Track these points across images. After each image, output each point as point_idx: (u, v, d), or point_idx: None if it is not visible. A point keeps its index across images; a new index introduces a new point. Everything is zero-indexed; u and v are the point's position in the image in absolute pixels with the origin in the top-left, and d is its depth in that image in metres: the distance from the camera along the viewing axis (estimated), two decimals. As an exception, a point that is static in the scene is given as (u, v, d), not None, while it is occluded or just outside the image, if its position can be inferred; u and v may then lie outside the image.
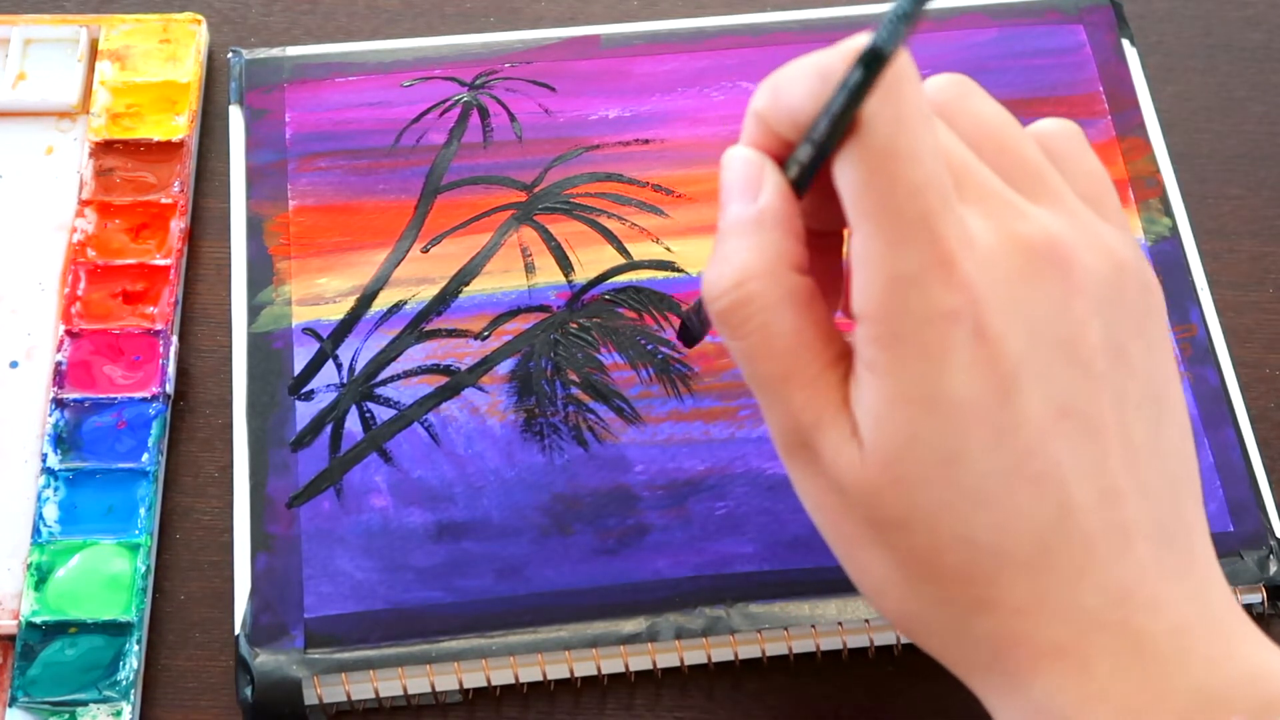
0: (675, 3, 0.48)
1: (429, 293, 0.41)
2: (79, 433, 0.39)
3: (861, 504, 0.28)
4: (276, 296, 0.41)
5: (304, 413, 0.40)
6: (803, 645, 0.37)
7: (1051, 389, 0.27)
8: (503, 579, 0.38)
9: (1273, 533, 0.39)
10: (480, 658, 0.37)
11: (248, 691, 0.36)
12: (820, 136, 0.27)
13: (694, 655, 0.37)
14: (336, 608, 0.37)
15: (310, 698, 0.36)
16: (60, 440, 0.39)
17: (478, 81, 0.45)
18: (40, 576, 0.38)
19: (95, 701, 0.36)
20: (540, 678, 0.37)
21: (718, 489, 0.39)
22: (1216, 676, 0.27)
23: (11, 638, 0.37)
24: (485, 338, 0.41)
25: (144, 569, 0.38)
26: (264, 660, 0.36)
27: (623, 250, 0.42)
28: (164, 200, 0.43)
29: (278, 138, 0.43)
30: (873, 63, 0.25)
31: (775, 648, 0.37)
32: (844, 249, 0.32)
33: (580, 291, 0.42)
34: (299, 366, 0.40)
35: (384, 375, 0.40)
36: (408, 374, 0.40)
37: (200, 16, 0.46)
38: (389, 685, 0.36)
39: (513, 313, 0.41)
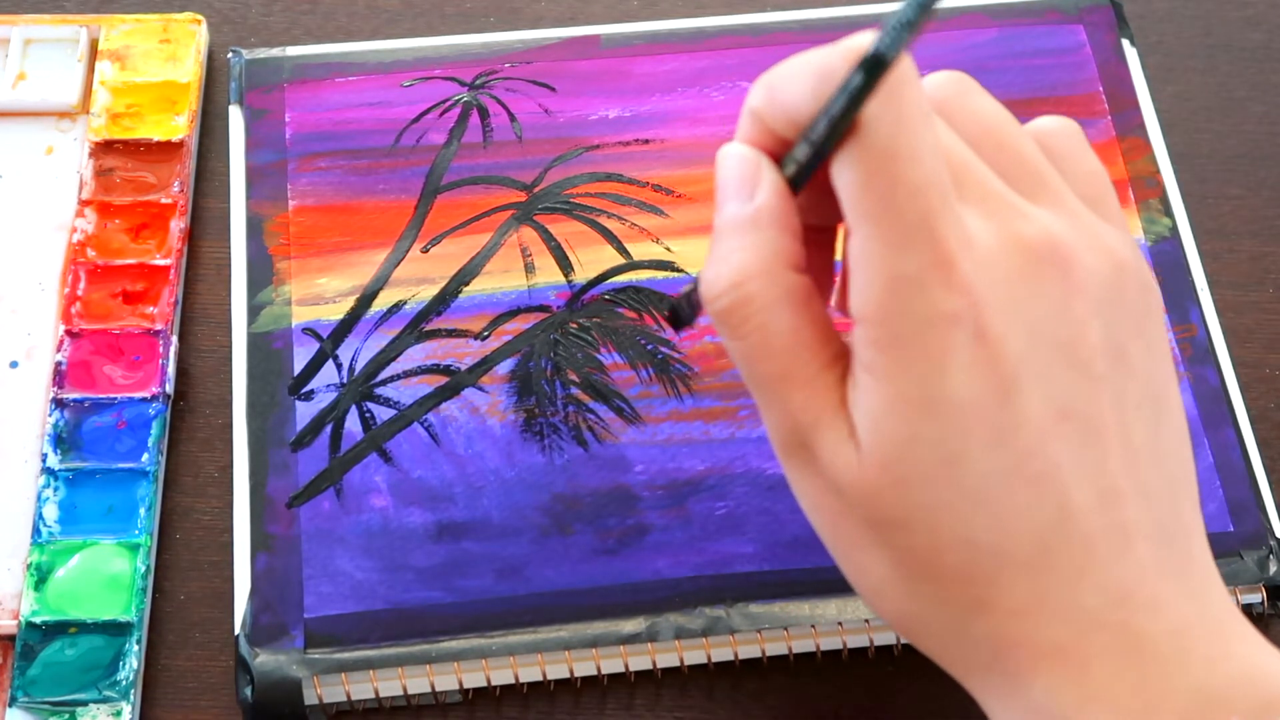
0: (675, 3, 0.48)
1: (429, 293, 0.41)
2: (79, 433, 0.39)
3: (860, 505, 0.28)
4: (276, 296, 0.41)
5: (304, 413, 0.40)
6: (803, 645, 0.37)
7: (1051, 390, 0.27)
8: (503, 579, 0.38)
9: (1273, 533, 0.39)
10: (480, 658, 0.37)
11: (248, 691, 0.36)
12: (819, 137, 0.27)
13: (694, 655, 0.37)
14: (336, 608, 0.37)
15: (310, 698, 0.36)
16: (60, 440, 0.39)
17: (478, 81, 0.45)
18: (40, 576, 0.38)
19: (95, 701, 0.36)
20: (540, 678, 0.37)
21: (718, 489, 0.39)
22: (1215, 677, 0.27)
23: (11, 638, 0.37)
24: (485, 338, 0.41)
25: (144, 569, 0.38)
26: (264, 660, 0.36)
27: (623, 250, 0.42)
28: (164, 200, 0.43)
29: (278, 138, 0.43)
30: (874, 68, 0.25)
31: (775, 648, 0.37)
32: (837, 245, 0.32)
33: (580, 291, 0.42)
34: (299, 366, 0.40)
35: (384, 375, 0.40)
36: (408, 374, 0.40)
37: (200, 16, 0.46)
38: (389, 685, 0.36)
39: (513, 313, 0.41)
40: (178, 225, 0.42)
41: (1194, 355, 0.41)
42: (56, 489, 0.39)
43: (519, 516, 0.38)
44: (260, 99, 0.44)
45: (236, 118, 0.44)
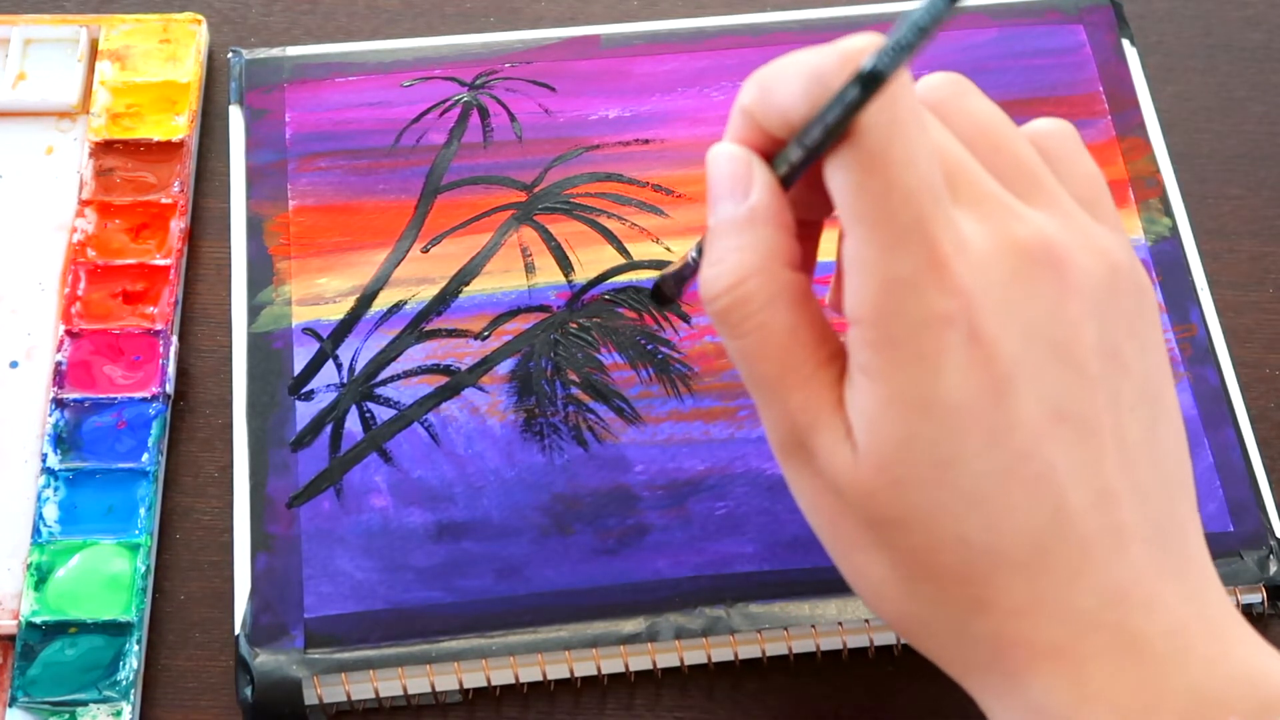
0: (675, 3, 0.48)
1: (429, 293, 0.41)
2: (79, 433, 0.39)
3: (857, 505, 0.28)
4: (276, 296, 0.41)
5: (304, 413, 0.40)
6: (803, 645, 0.37)
7: (1046, 391, 0.27)
8: (503, 579, 0.38)
9: (1273, 533, 0.39)
10: (480, 658, 0.37)
11: (248, 691, 0.36)
12: (812, 142, 0.27)
13: (694, 655, 0.37)
14: (336, 608, 0.37)
15: (310, 698, 0.36)
16: (60, 440, 0.39)
17: (478, 81, 0.45)
18: (40, 576, 0.38)
19: (95, 701, 0.36)
20: (540, 678, 0.37)
21: (718, 489, 0.39)
22: (1213, 677, 0.27)
23: (11, 638, 0.37)
24: (485, 338, 0.41)
25: (144, 569, 0.38)
26: (264, 660, 0.36)
27: (623, 250, 0.42)
28: (164, 200, 0.43)
29: (278, 138, 0.43)
30: (870, 83, 0.25)
31: (775, 648, 0.37)
32: (820, 239, 0.32)
33: (580, 291, 0.42)
34: (299, 366, 0.40)
35: (384, 375, 0.40)
36: (408, 374, 0.40)
37: (200, 16, 0.46)
38: (389, 685, 0.36)
39: (513, 313, 0.41)
40: (178, 225, 0.42)
41: (1194, 355, 0.41)
42: (56, 489, 0.39)
43: (519, 516, 0.38)
44: (260, 99, 0.44)
45: (236, 118, 0.44)
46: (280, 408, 0.40)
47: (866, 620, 0.37)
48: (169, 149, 0.44)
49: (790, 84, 0.27)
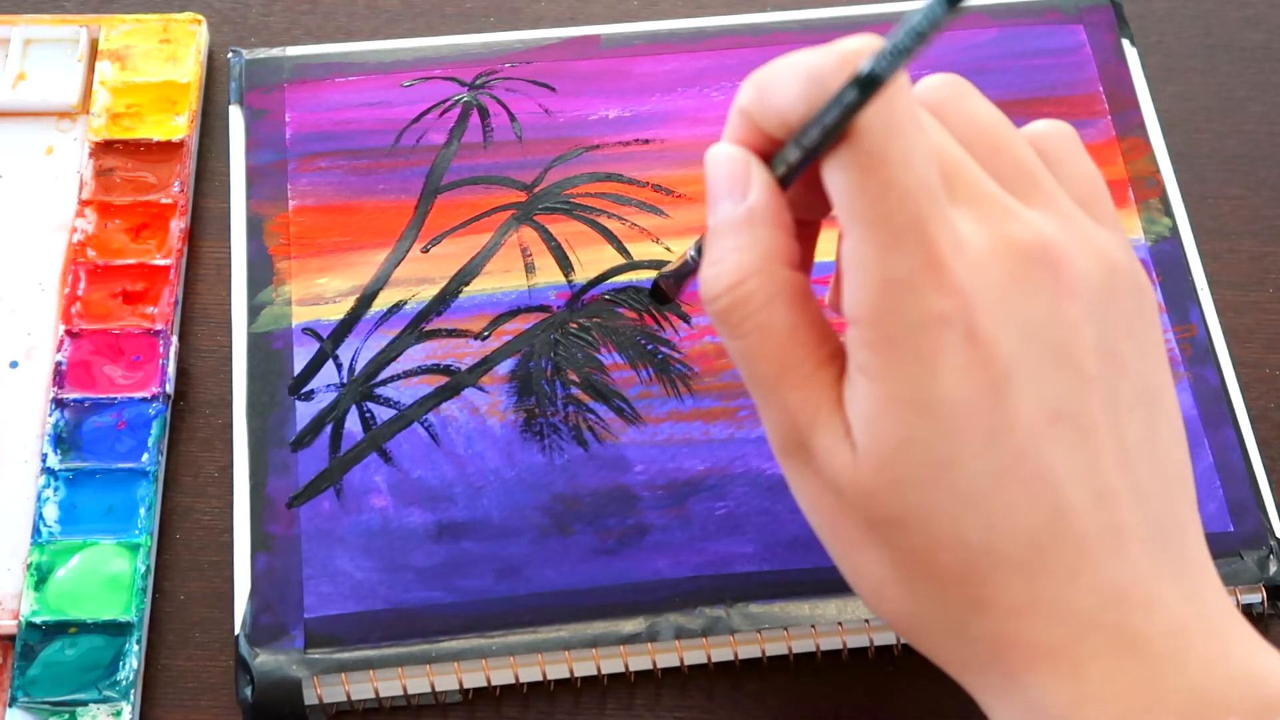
0: (675, 3, 0.48)
1: (429, 293, 0.41)
2: (79, 433, 0.39)
3: (856, 505, 0.28)
4: (276, 296, 0.41)
5: (304, 413, 0.40)
6: (802, 645, 0.37)
7: (1044, 391, 0.27)
8: (503, 579, 0.38)
9: (1273, 533, 0.39)
10: (480, 658, 0.37)
11: (248, 691, 0.36)
12: (810, 144, 0.27)
13: (694, 655, 0.37)
14: (336, 608, 0.37)
15: (310, 698, 0.36)
16: (60, 440, 0.39)
17: (478, 81, 0.45)
18: (40, 576, 0.38)
19: (95, 701, 0.36)
20: (540, 678, 0.37)
21: (718, 489, 0.39)
22: (1212, 677, 0.27)
23: (11, 638, 0.37)
24: (485, 338, 0.41)
25: (144, 569, 0.38)
26: (264, 660, 0.36)
27: (623, 250, 0.42)
28: (164, 200, 0.43)
29: (278, 138, 0.43)
30: (868, 86, 0.25)
31: (775, 648, 0.37)
32: (817, 239, 0.32)
33: (580, 291, 0.42)
34: (299, 366, 0.40)
35: (384, 375, 0.40)
36: (408, 374, 0.40)
37: (200, 16, 0.46)
38: (389, 685, 0.36)
39: (513, 313, 0.41)
40: (178, 225, 0.42)
41: (1194, 355, 0.41)
42: (56, 489, 0.39)
43: (519, 516, 0.38)
44: (260, 99, 0.44)
45: (236, 118, 0.44)
46: (280, 408, 0.40)
47: (866, 620, 0.37)
48: (169, 149, 0.44)
49: (788, 85, 0.27)
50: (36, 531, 0.38)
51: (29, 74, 0.45)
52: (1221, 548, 0.38)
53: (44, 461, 0.39)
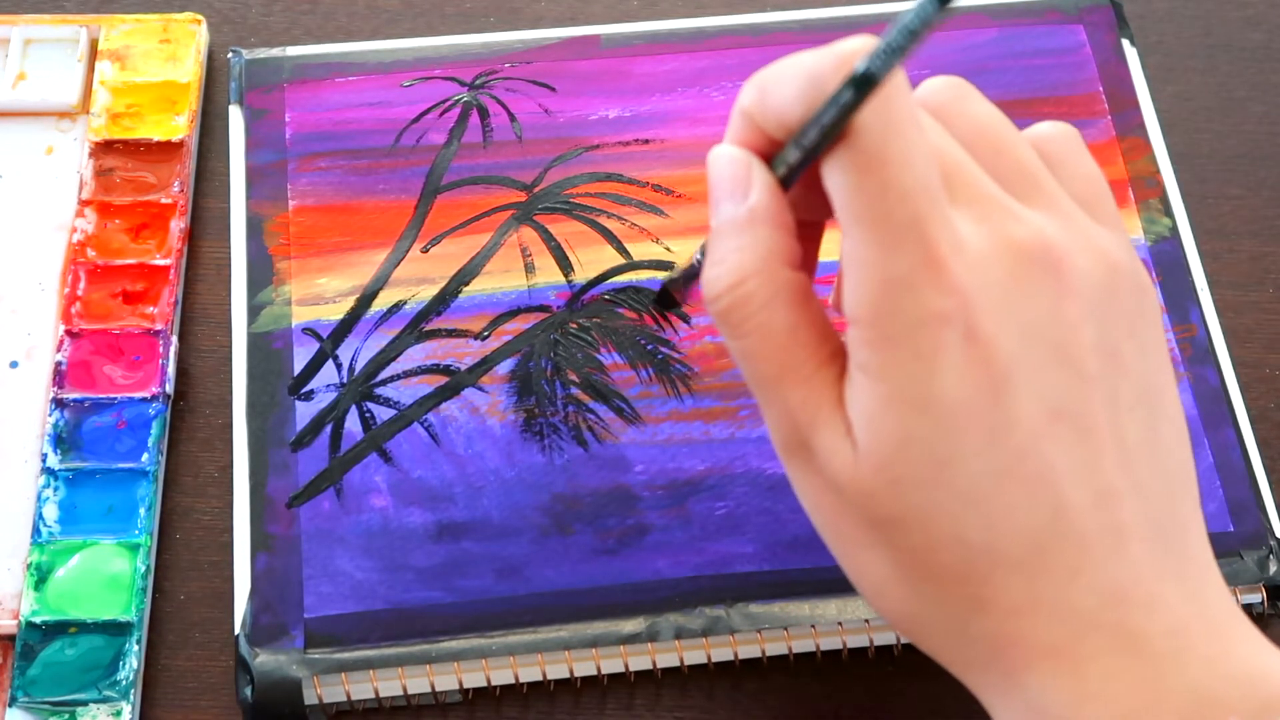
0: (675, 3, 0.48)
1: (429, 293, 0.41)
2: (79, 433, 0.39)
3: (857, 504, 0.28)
4: (276, 296, 0.41)
5: (304, 413, 0.40)
6: (802, 645, 0.37)
7: (1043, 390, 0.27)
8: (503, 579, 0.38)
9: (1273, 533, 0.39)
10: (480, 658, 0.37)
11: (248, 691, 0.36)
12: (809, 143, 0.27)
13: (694, 655, 0.37)
14: (336, 608, 0.37)
15: (310, 698, 0.36)
16: (60, 440, 0.39)
17: (478, 81, 0.45)
18: (40, 576, 0.38)
19: (95, 701, 0.36)
20: (540, 678, 0.37)
21: (718, 489, 0.39)
22: (1213, 677, 0.27)
23: (11, 638, 0.37)
24: (485, 338, 0.41)
25: (144, 569, 0.38)
26: (264, 660, 0.36)
27: (623, 250, 0.42)
28: (164, 200, 0.43)
29: (278, 138, 0.43)
30: (864, 85, 0.25)
31: (775, 648, 0.37)
32: (822, 240, 0.32)
33: (580, 291, 0.42)
34: (299, 366, 0.40)
35: (384, 375, 0.40)
36: (408, 374, 0.40)
37: (200, 16, 0.46)
38: (389, 685, 0.36)
39: (513, 313, 0.41)
40: (178, 225, 0.42)
41: (1194, 355, 0.41)
42: (56, 489, 0.39)
43: (519, 516, 0.38)
44: (260, 99, 0.44)
45: (236, 118, 0.44)
46: (280, 408, 0.40)
47: (866, 620, 0.37)
48: (169, 149, 0.44)
49: (787, 87, 0.28)
50: (36, 531, 0.38)
51: (29, 74, 0.45)
52: (1221, 548, 0.38)
53: (44, 461, 0.39)
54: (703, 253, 0.31)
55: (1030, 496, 0.27)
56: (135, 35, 0.45)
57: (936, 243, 0.26)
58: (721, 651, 0.37)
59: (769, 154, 0.29)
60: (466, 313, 0.41)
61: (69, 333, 0.41)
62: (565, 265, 0.42)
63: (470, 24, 0.47)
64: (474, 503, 0.38)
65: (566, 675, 0.37)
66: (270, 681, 0.36)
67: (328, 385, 0.40)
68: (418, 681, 0.37)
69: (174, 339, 0.41)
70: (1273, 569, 0.39)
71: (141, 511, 0.39)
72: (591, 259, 0.42)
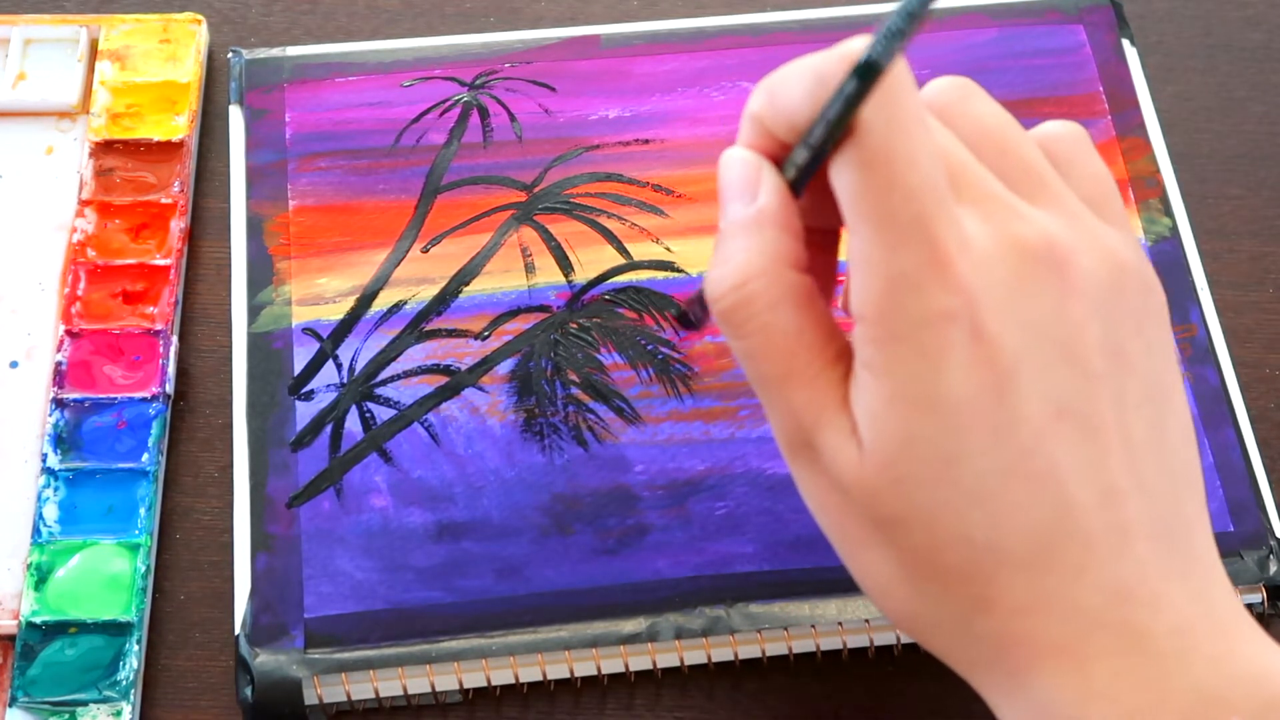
0: (675, 3, 0.48)
1: (429, 293, 0.41)
2: (79, 433, 0.39)
3: (862, 503, 0.28)
4: (276, 296, 0.41)
5: (304, 413, 0.40)
6: (803, 645, 0.37)
7: (1049, 388, 0.27)
8: (503, 579, 0.38)
9: (1273, 533, 0.39)
10: (480, 658, 0.37)
11: (248, 691, 0.36)
12: (816, 141, 0.27)
13: (694, 655, 0.37)
14: (336, 608, 0.37)
15: (310, 698, 0.36)
16: (60, 440, 0.39)
17: (478, 81, 0.45)
18: (40, 576, 0.38)
19: (95, 701, 0.36)
20: (540, 678, 0.37)
21: (718, 489, 0.39)
22: (1218, 676, 0.27)
23: (11, 638, 0.37)
24: (485, 338, 0.41)
25: (144, 569, 0.38)
26: (264, 660, 0.36)
27: (623, 250, 0.42)
28: (164, 200, 0.43)
29: (278, 138, 0.43)
30: (867, 74, 0.25)
31: (775, 648, 0.37)
32: (839, 247, 0.32)
33: (580, 291, 0.42)
34: (299, 366, 0.40)
35: (384, 375, 0.40)
36: (408, 374, 0.40)
37: (200, 16, 0.46)
38: (389, 685, 0.36)
39: (513, 313, 0.41)
40: (178, 225, 0.42)
41: (1194, 355, 0.41)
42: (56, 489, 0.39)
43: (519, 516, 0.38)
44: (260, 99, 0.44)
45: (236, 118, 0.44)
46: (280, 408, 0.40)
47: (866, 620, 0.37)
48: (169, 149, 0.44)
49: (794, 88, 0.28)
50: (36, 531, 0.38)
51: (29, 74, 0.45)
52: (1222, 548, 0.38)
53: (44, 461, 0.39)
54: None
55: (1035, 495, 0.27)
56: (135, 35, 0.45)
57: (942, 241, 0.26)
58: (721, 651, 0.37)
59: (779, 158, 0.29)
60: (467, 313, 0.41)
61: (69, 333, 0.41)
62: (565, 265, 0.42)
63: (470, 24, 0.47)
64: (474, 503, 0.38)
65: (566, 675, 0.37)
66: (270, 681, 0.36)
67: (328, 385, 0.40)
68: (418, 681, 0.37)
69: (174, 339, 0.41)
70: (1273, 569, 0.39)
71: (141, 511, 0.39)
72: (591, 259, 0.42)
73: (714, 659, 0.37)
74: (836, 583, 0.37)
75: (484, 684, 0.37)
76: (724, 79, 0.45)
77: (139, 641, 0.37)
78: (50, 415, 0.40)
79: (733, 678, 0.38)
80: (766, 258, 0.28)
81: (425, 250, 0.42)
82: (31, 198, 0.43)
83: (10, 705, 0.36)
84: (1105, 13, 0.47)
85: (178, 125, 0.44)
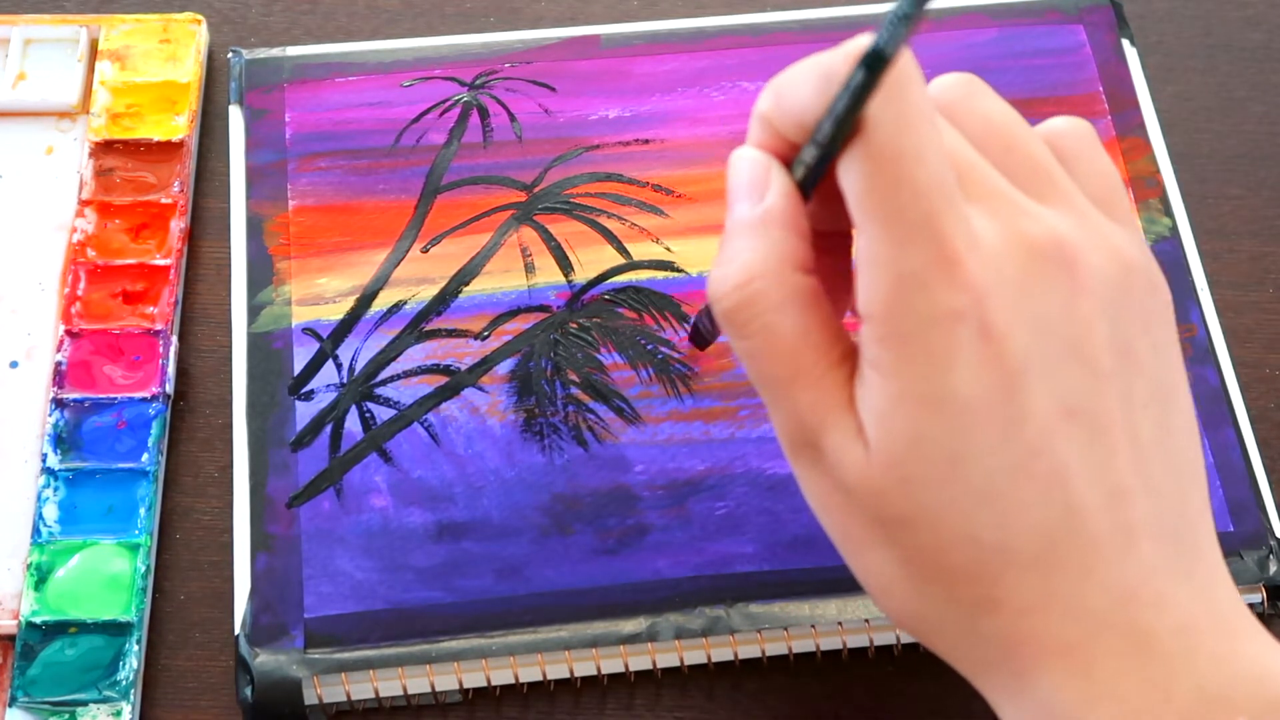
0: (675, 3, 0.48)
1: (429, 293, 0.41)
2: (79, 433, 0.39)
3: (867, 503, 0.28)
4: (276, 296, 0.41)
5: (304, 413, 0.40)
6: (803, 645, 0.37)
7: (1057, 387, 0.27)
8: (503, 579, 0.38)
9: (1273, 533, 0.39)
10: (480, 658, 0.37)
11: (248, 691, 0.36)
12: (824, 138, 0.27)
13: (694, 655, 0.37)
14: (336, 608, 0.37)
15: (310, 698, 0.36)
16: (60, 440, 0.39)
17: (478, 81, 0.45)
18: (40, 576, 0.38)
19: (95, 701, 0.36)
20: (540, 678, 0.37)
21: (718, 489, 0.39)
22: (1222, 676, 0.27)
23: (11, 638, 0.37)
24: (485, 338, 0.41)
25: (144, 569, 0.38)
26: (264, 660, 0.36)
27: (623, 250, 0.42)
28: (164, 200, 0.43)
29: (278, 138, 0.43)
30: (874, 64, 0.25)
31: (775, 648, 0.37)
32: (850, 250, 0.32)
33: (580, 291, 0.42)
34: (299, 366, 0.40)
35: (384, 375, 0.40)
36: (408, 374, 0.40)
37: (200, 16, 0.46)
38: (389, 685, 0.36)
39: (513, 313, 0.41)
40: (178, 225, 0.42)
41: (1194, 355, 0.41)
42: (56, 489, 0.39)
43: (519, 516, 0.38)
44: (260, 99, 0.44)
45: (236, 118, 0.44)
46: (280, 408, 0.40)
47: (867, 620, 0.37)
48: (169, 149, 0.44)
49: (802, 87, 0.28)
50: (36, 531, 0.38)
51: (29, 74, 0.45)
52: (1222, 548, 0.38)
53: (44, 461, 0.39)
54: None
55: (1043, 494, 0.27)
56: (135, 35, 0.45)
57: (951, 239, 0.26)
58: (721, 651, 0.37)
59: (788, 159, 0.29)
60: (466, 313, 0.41)
61: (69, 333, 0.41)
62: (565, 265, 0.42)
63: (470, 24, 0.47)
64: (474, 503, 0.38)
65: (566, 675, 0.37)
66: (270, 681, 0.36)
67: (328, 385, 0.40)
68: (418, 681, 0.37)
69: (174, 339, 0.41)
70: (1273, 569, 0.39)
71: (141, 511, 0.39)
72: (591, 259, 0.42)
73: (714, 659, 0.37)
74: (836, 583, 0.37)
75: (484, 684, 0.37)
76: (724, 79, 0.45)
77: (139, 641, 0.37)
78: (50, 415, 0.40)
79: (733, 678, 0.38)
80: (772, 258, 0.28)
81: (425, 250, 0.42)
82: (31, 198, 0.43)
83: (10, 705, 0.36)
84: (1105, 13, 0.47)
85: (178, 125, 0.44)
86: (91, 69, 0.45)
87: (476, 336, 0.41)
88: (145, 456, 0.39)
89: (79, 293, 0.41)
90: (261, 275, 0.41)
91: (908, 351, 0.27)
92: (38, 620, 0.37)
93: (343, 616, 0.37)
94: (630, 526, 0.38)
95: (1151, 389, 0.29)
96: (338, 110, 0.44)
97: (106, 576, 0.38)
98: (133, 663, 0.37)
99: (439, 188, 0.43)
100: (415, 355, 0.40)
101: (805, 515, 0.31)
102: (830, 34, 0.45)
